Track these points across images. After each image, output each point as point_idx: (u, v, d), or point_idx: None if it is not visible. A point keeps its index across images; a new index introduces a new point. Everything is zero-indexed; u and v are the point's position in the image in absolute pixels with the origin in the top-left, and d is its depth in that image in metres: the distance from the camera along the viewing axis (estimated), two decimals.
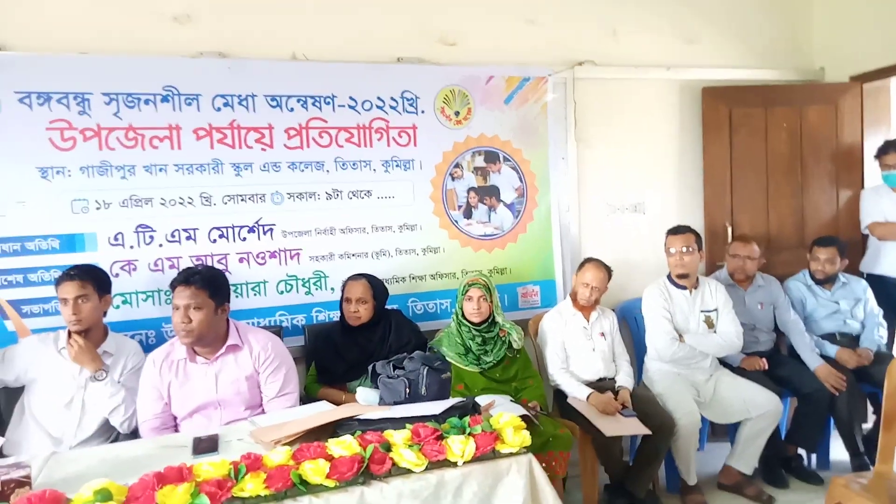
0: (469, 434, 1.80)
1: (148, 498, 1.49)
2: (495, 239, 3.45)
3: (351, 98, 3.15)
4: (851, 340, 3.41)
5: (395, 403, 2.07)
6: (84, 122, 2.76)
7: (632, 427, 2.75)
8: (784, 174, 3.88)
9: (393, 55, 3.26)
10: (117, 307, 2.79)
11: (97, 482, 1.50)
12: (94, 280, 2.48)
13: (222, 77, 2.95)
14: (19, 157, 2.69)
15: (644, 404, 2.92)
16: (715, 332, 3.14)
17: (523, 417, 2.19)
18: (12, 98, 2.67)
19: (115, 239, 2.83)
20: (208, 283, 2.32)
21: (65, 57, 2.74)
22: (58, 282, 2.46)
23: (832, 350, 3.33)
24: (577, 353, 3.07)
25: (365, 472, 1.68)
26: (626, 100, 3.71)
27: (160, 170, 2.88)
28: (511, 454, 1.82)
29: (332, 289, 3.13)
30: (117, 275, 2.81)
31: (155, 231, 2.89)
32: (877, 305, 3.46)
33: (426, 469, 1.73)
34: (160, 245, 2.90)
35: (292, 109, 3.06)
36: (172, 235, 2.92)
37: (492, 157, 3.42)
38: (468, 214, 3.39)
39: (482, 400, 2.21)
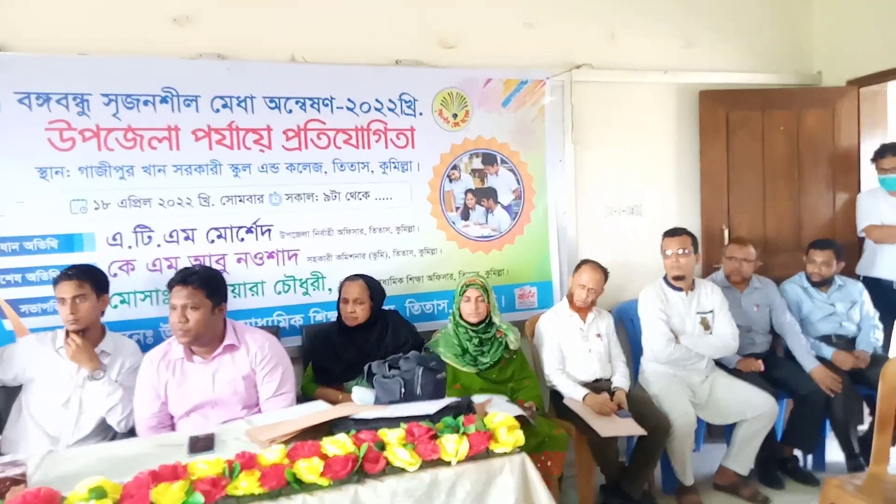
0: (463, 433, 1.81)
1: (142, 496, 1.49)
2: (492, 240, 3.46)
3: (349, 100, 3.16)
4: (847, 343, 3.42)
5: (391, 403, 2.08)
6: (83, 122, 2.78)
7: (627, 428, 2.76)
8: (781, 177, 3.89)
9: (391, 57, 3.27)
10: (115, 307, 2.81)
11: (92, 480, 1.51)
12: (92, 280, 2.49)
13: (221, 78, 2.96)
14: (18, 157, 2.70)
15: (640, 405, 2.93)
16: (711, 333, 3.15)
17: (519, 417, 2.20)
18: (12, 98, 2.68)
19: (114, 239, 2.85)
20: (205, 282, 2.33)
21: (64, 58, 2.75)
22: (56, 281, 2.47)
23: (829, 352, 3.34)
24: (573, 354, 3.08)
25: (359, 470, 1.69)
26: (623, 103, 3.72)
27: (159, 170, 2.89)
28: (505, 454, 1.83)
29: (330, 289, 3.14)
30: (115, 275, 2.82)
31: (153, 231, 2.90)
32: (873, 308, 3.47)
33: (420, 468, 1.73)
34: (158, 245, 2.91)
35: (291, 111, 3.07)
36: (171, 236, 2.93)
37: (489, 159, 3.44)
38: (465, 216, 3.41)
39: (479, 399, 2.22)
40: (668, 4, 3.78)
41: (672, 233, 3.21)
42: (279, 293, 3.10)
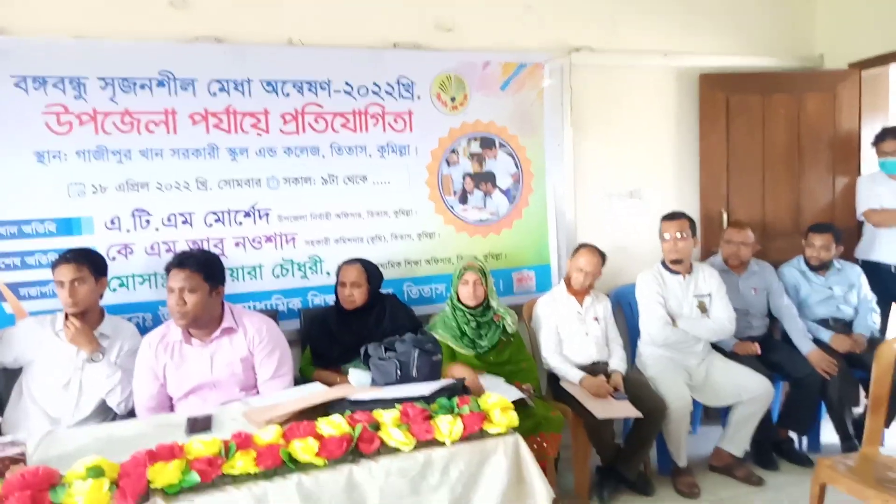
0: (457, 414, 1.83)
1: (139, 475, 1.52)
2: (491, 224, 3.47)
3: (347, 83, 3.15)
4: (844, 326, 3.43)
5: (387, 385, 2.10)
6: (80, 106, 2.77)
7: (623, 410, 2.78)
8: (781, 161, 3.88)
9: (389, 41, 3.25)
10: (114, 290, 2.82)
11: (90, 459, 1.53)
12: (90, 263, 2.50)
13: (218, 62, 2.95)
14: (15, 142, 2.71)
15: (636, 388, 2.94)
16: (708, 317, 3.16)
17: (518, 400, 2.22)
18: (8, 82, 2.68)
19: (112, 223, 2.86)
20: (203, 266, 2.35)
21: (60, 41, 2.75)
22: (54, 265, 2.48)
23: (826, 335, 3.35)
24: (570, 337, 3.09)
25: (354, 450, 1.71)
26: (622, 86, 3.70)
27: (156, 154, 2.89)
28: (498, 434, 1.85)
29: (328, 273, 3.15)
30: (114, 258, 2.83)
31: (151, 215, 2.91)
32: (870, 291, 3.47)
33: (414, 448, 1.75)
34: (156, 229, 2.92)
35: (288, 95, 3.06)
36: (169, 219, 2.93)
37: (488, 143, 3.43)
38: (464, 200, 3.41)
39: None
40: None
41: (670, 216, 3.21)
42: (277, 277, 3.11)
